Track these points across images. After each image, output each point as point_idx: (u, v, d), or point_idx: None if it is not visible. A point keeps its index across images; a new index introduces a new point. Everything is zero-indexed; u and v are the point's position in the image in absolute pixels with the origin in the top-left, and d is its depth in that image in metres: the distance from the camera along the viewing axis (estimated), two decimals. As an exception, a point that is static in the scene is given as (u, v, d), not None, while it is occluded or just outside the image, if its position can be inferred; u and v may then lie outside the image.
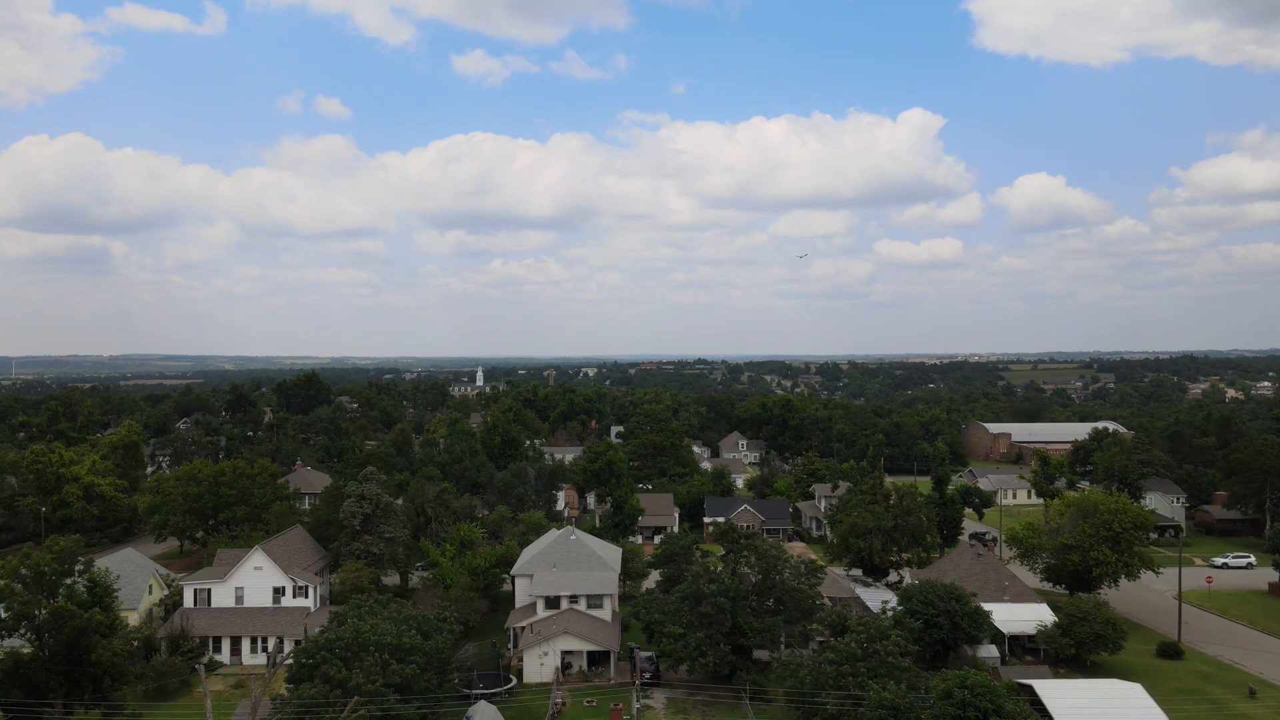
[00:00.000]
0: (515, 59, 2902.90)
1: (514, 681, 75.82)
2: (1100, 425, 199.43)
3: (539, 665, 78.19)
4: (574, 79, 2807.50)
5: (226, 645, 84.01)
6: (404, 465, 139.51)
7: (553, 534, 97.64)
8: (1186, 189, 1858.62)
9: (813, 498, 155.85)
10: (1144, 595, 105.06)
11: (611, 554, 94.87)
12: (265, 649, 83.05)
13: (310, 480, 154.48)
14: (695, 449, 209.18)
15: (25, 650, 66.02)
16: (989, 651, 78.22)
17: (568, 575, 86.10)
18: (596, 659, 79.57)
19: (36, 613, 64.71)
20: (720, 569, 77.70)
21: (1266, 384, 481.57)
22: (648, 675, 75.61)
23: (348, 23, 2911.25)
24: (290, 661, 62.75)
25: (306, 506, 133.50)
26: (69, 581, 68.14)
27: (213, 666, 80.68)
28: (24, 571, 66.23)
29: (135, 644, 78.09)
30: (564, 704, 71.66)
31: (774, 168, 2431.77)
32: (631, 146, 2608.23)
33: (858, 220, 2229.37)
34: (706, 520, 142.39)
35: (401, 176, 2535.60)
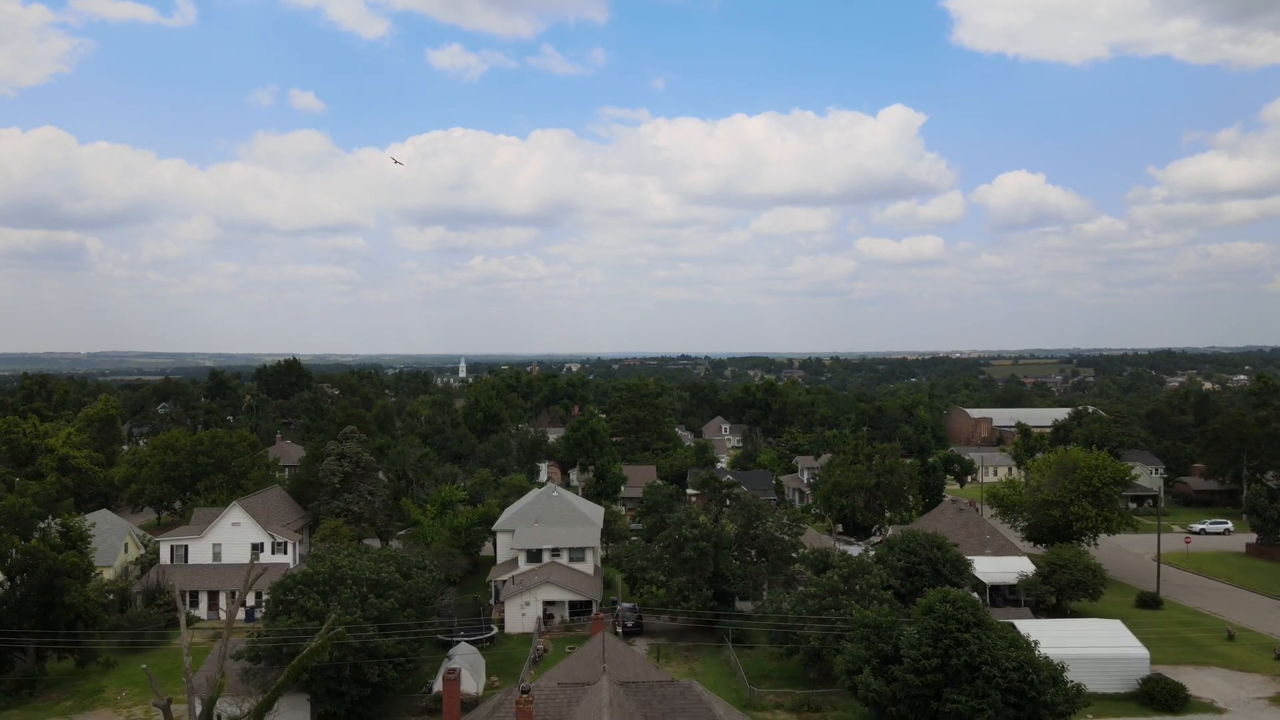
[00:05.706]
0: (492, 54, 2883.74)
1: (495, 631, 75.37)
2: (1081, 408, 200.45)
3: (520, 615, 77.75)
4: (552, 74, 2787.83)
5: (204, 600, 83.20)
6: (386, 436, 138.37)
7: (535, 492, 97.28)
8: (1164, 187, 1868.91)
9: (795, 470, 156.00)
10: (1123, 558, 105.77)
11: (593, 510, 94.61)
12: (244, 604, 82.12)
13: (290, 453, 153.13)
14: (678, 432, 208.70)
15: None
16: (970, 600, 78.26)
17: (550, 530, 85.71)
18: (578, 609, 79.16)
19: (9, 552, 63.77)
20: (702, 517, 77.55)
21: (1242, 377, 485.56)
22: (630, 624, 75.32)
23: (321, 16, 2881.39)
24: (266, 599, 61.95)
25: (286, 477, 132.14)
26: (43, 525, 67.24)
27: (190, 621, 79.60)
28: (-4, 512, 65.35)
29: (110, 596, 77.04)
30: (546, 650, 71.25)
31: (755, 164, 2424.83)
32: (612, 143, 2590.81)
33: (839, 217, 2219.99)
34: (690, 493, 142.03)
35: (379, 172, 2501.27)
